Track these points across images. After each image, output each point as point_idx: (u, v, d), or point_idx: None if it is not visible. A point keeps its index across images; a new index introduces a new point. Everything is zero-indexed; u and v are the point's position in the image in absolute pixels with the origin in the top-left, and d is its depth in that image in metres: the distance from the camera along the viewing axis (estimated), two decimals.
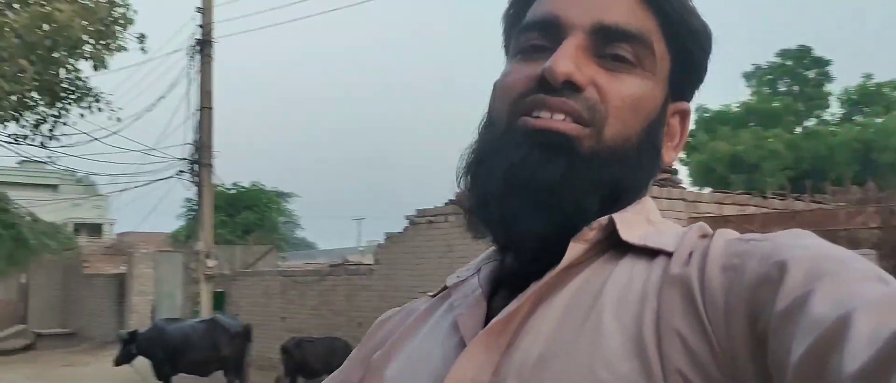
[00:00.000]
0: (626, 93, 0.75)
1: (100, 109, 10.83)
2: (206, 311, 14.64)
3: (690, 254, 0.69)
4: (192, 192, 18.68)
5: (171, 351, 11.22)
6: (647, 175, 0.80)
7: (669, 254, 0.70)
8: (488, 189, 0.75)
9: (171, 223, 28.00)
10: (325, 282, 13.21)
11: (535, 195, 0.72)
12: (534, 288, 0.71)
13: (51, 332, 20.88)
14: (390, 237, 12.23)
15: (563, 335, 0.68)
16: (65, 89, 9.99)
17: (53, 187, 55.09)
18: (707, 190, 9.57)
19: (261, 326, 12.48)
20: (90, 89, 10.35)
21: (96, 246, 23.09)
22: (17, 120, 8.52)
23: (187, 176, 15.72)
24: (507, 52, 0.85)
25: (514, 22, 0.84)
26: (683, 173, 21.72)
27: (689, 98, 0.85)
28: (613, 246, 0.74)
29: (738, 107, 28.42)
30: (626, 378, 0.63)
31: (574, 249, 0.71)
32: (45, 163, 19.73)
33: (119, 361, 11.43)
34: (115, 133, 13.35)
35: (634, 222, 0.76)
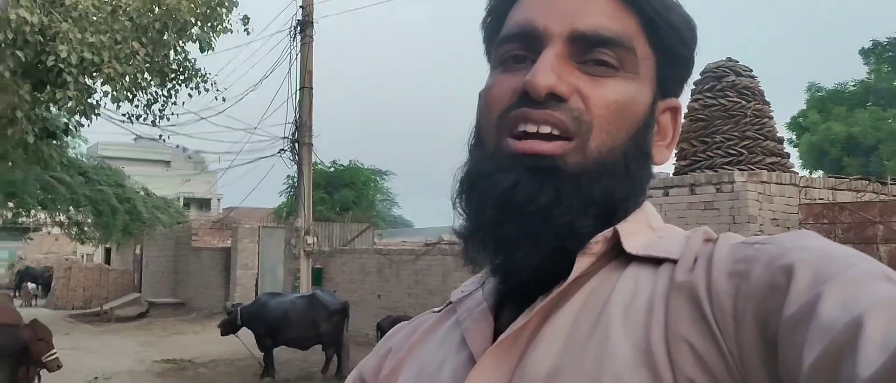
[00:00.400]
0: (611, 99, 0.74)
1: (206, 90, 11.14)
2: (305, 287, 15.03)
3: (695, 260, 0.69)
4: (293, 170, 19.24)
5: (272, 324, 11.58)
6: (638, 182, 0.78)
7: (674, 262, 0.70)
8: (481, 217, 0.74)
9: (274, 199, 28.93)
10: (420, 261, 13.32)
11: (528, 222, 0.71)
12: (541, 303, 0.71)
13: (163, 302, 21.96)
14: None
15: (571, 349, 0.67)
16: (174, 70, 10.34)
17: (166, 163, 57.93)
18: (818, 174, 9.08)
19: (357, 303, 12.72)
20: (198, 70, 10.67)
21: (204, 220, 24.03)
22: (130, 100, 8.85)
23: (288, 154, 16.15)
24: (488, 61, 0.84)
25: (493, 31, 0.82)
26: (794, 156, 20.62)
27: (678, 93, 0.83)
28: (617, 255, 0.74)
29: (854, 85, 26.90)
30: None
31: (581, 263, 0.71)
32: (156, 140, 20.74)
33: (225, 331, 11.89)
34: (220, 113, 13.80)
35: (637, 231, 0.75)
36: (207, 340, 15.71)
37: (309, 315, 11.56)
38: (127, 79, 8.51)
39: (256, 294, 18.78)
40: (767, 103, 10.75)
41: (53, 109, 8.50)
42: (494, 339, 0.73)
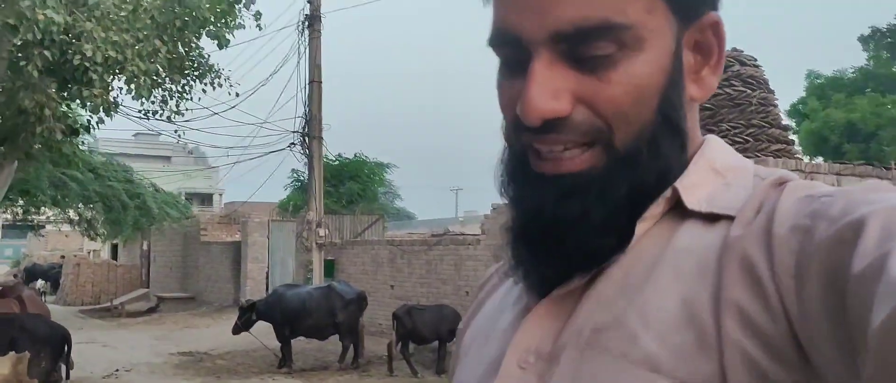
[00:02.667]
0: (618, 92, 0.68)
1: (220, 85, 11.35)
2: (318, 278, 15.24)
3: (758, 211, 0.66)
4: (301, 164, 19.40)
5: (290, 315, 11.80)
6: (673, 153, 0.72)
7: (733, 218, 0.67)
8: (517, 235, 0.74)
9: (277, 193, 29.06)
10: (432, 251, 13.52)
11: (557, 242, 0.70)
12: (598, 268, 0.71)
13: (172, 296, 22.14)
14: (497, 207, 12.40)
15: (619, 305, 0.67)
16: (189, 66, 10.54)
17: (166, 159, 58.03)
18: (819, 160, 9.27)
19: (370, 293, 12.92)
20: (212, 66, 10.87)
21: (212, 214, 24.20)
22: (148, 97, 9.05)
23: (298, 148, 16.34)
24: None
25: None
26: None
27: (714, 6, 0.74)
28: (675, 206, 0.71)
29: (853, 72, 27.08)
30: (678, 350, 0.62)
31: (640, 228, 0.70)
32: (158, 135, 20.91)
33: (238, 330, 12.11)
34: (232, 107, 13.97)
35: (699, 182, 0.72)
36: (220, 333, 15.89)
37: (326, 305, 11.79)
38: (149, 76, 8.71)
39: (267, 287, 19.00)
40: (772, 91, 10.95)
41: (77, 107, 8.68)
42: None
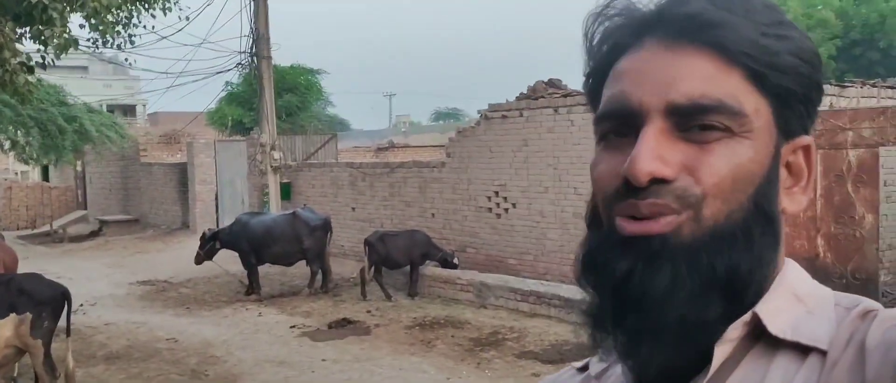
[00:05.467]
0: (721, 164, 0.69)
1: (170, 10, 10.92)
2: (275, 202, 15.14)
3: (847, 344, 0.66)
4: (235, 76, 18.83)
5: (256, 243, 11.78)
6: (767, 248, 0.72)
7: (823, 353, 0.67)
8: (601, 306, 0.73)
9: (203, 102, 28.09)
10: (395, 173, 13.54)
11: (648, 315, 0.69)
12: None
13: (115, 219, 21.62)
14: (462, 131, 12.45)
15: None
16: None
17: (83, 69, 55.37)
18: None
19: (331, 216, 12.94)
20: None
21: (148, 132, 23.45)
22: (111, 33, 8.65)
23: (245, 69, 15.89)
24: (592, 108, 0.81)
25: (594, 96, 0.78)
26: None
27: (807, 129, 0.76)
28: (760, 336, 0.70)
29: None
30: None
31: (720, 353, 0.68)
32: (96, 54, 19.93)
33: (200, 259, 12.04)
34: (179, 30, 13.46)
35: (781, 308, 0.71)
36: (175, 258, 15.74)
37: (291, 232, 11.80)
38: (109, 11, 8.28)
39: (217, 209, 18.77)
40: None
41: (37, 45, 8.22)
42: None
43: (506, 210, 11.56)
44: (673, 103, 0.69)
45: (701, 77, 0.70)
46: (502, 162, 11.49)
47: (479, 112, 12.00)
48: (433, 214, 12.66)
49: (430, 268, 11.36)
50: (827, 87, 9.96)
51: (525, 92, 11.28)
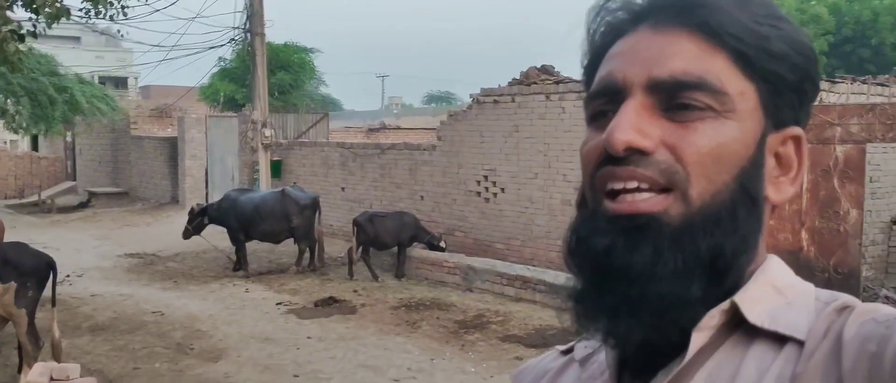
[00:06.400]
0: (703, 143, 0.70)
1: None
2: (265, 180, 15.14)
3: (824, 335, 0.67)
4: (228, 52, 18.71)
5: (244, 220, 11.79)
6: (751, 232, 0.73)
7: (800, 343, 0.68)
8: (583, 283, 0.73)
9: (194, 77, 27.94)
10: (386, 154, 13.55)
11: (627, 291, 0.69)
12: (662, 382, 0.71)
13: (104, 191, 21.54)
14: (454, 114, 12.46)
15: None
16: None
17: (76, 39, 54.92)
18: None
19: (321, 195, 12.95)
20: None
21: (139, 106, 23.33)
22: (105, 4, 8.61)
23: (238, 45, 15.83)
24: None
25: (590, 75, 0.80)
26: None
27: (799, 120, 0.77)
28: (738, 325, 0.70)
29: None
30: None
31: (697, 339, 0.68)
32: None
33: (188, 234, 12.05)
34: (173, 3, 13.38)
35: (760, 296, 0.71)
36: (164, 233, 15.72)
37: (280, 210, 11.81)
38: None
39: (207, 184, 18.73)
40: None
41: (28, 13, 8.19)
42: None
43: (495, 195, 11.61)
44: (654, 78, 0.71)
45: (685, 56, 0.71)
46: (493, 146, 11.52)
47: (471, 96, 12.01)
48: (422, 197, 12.69)
49: (418, 250, 11.40)
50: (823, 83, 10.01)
51: (517, 77, 11.29)
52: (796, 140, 0.76)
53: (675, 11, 0.73)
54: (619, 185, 0.70)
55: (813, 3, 26.92)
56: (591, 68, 0.80)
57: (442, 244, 11.31)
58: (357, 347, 8.02)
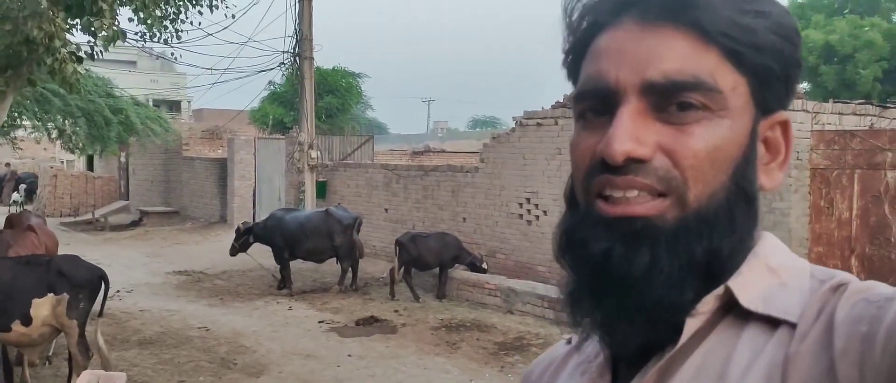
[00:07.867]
0: (699, 147, 0.69)
1: (217, 7, 11.17)
2: (310, 200, 15.36)
3: (817, 316, 0.67)
4: (278, 76, 19.08)
5: (289, 239, 11.98)
6: (748, 230, 0.73)
7: (793, 325, 0.67)
8: (579, 285, 0.73)
9: (245, 100, 28.55)
10: (429, 176, 13.65)
11: (625, 296, 0.69)
12: (654, 368, 0.70)
13: (155, 210, 22.06)
14: (497, 137, 12.52)
15: None
16: None
17: (132, 63, 56.60)
18: (829, 103, 9.44)
19: (364, 216, 13.11)
20: None
21: (191, 127, 23.91)
22: (159, 27, 8.90)
23: (287, 68, 16.15)
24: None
25: (572, 73, 0.79)
26: None
27: (785, 106, 0.77)
28: (732, 308, 0.70)
29: None
30: None
31: (691, 326, 0.69)
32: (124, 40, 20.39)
33: (235, 251, 12.30)
34: (225, 28, 13.74)
35: (754, 280, 0.71)
36: (211, 251, 16.04)
37: (324, 229, 11.97)
38: (157, 4, 8.53)
39: (254, 204, 19.07)
40: None
41: (86, 36, 8.51)
42: None
43: (537, 217, 11.60)
44: (649, 81, 0.70)
45: (678, 56, 0.70)
46: (535, 169, 11.53)
47: (514, 119, 12.07)
48: (464, 218, 12.74)
49: (460, 272, 11.43)
50: (867, 108, 9.83)
51: (561, 100, 11.31)
52: (783, 125, 0.77)
53: (664, 7, 0.72)
54: (618, 194, 0.70)
55: (867, 29, 26.40)
56: (573, 59, 0.79)
57: (484, 265, 11.33)
58: (397, 366, 8.06)
